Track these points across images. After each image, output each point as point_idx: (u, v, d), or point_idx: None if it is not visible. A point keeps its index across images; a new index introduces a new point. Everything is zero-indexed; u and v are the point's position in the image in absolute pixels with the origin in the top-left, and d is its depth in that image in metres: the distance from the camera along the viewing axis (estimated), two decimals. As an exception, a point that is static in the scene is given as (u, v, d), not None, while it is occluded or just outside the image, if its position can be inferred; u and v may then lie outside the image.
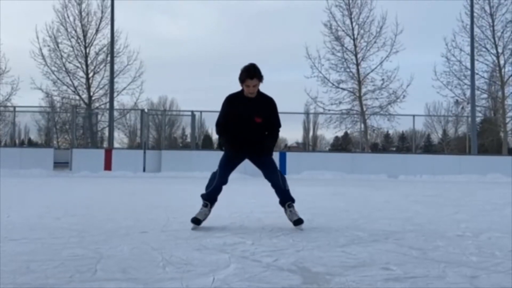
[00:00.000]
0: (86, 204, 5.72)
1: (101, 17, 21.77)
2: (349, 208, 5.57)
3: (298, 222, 3.75)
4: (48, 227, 3.76)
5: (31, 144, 23.11)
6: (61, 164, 15.98)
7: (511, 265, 2.57)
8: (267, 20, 57.12)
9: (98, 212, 4.87)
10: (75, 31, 21.75)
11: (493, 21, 20.90)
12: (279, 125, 3.95)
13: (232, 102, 3.84)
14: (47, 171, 13.86)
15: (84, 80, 21.82)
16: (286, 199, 3.85)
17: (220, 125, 3.89)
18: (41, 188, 8.66)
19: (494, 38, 20.94)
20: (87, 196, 7.01)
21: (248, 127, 3.78)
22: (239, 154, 3.89)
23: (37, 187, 8.75)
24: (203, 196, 3.88)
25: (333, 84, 21.10)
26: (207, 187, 3.87)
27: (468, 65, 18.97)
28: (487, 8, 20.99)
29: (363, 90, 21.10)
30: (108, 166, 14.50)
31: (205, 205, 3.83)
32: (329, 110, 21.15)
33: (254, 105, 3.78)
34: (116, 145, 20.56)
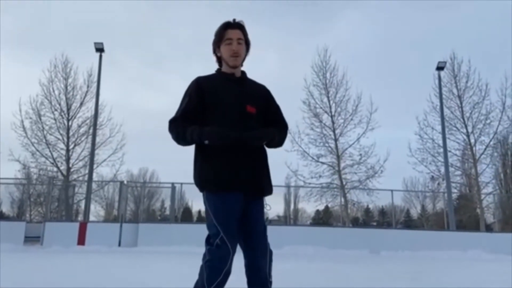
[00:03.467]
0: (55, 283, 5.41)
1: (87, 92, 22.22)
2: (331, 286, 5.43)
3: None
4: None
5: (3, 217, 22.18)
6: (32, 239, 15.26)
7: None
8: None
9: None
10: (59, 104, 22.03)
11: (461, 103, 22.24)
12: (287, 124, 2.57)
13: (204, 83, 2.37)
14: (16, 246, 13.17)
15: (64, 152, 21.69)
16: None
17: (176, 121, 2.34)
18: (9, 264, 8.19)
19: (463, 118, 22.14)
20: (56, 274, 6.65)
21: (238, 121, 2.32)
22: (235, 191, 2.29)
23: (5, 263, 8.28)
24: None
25: (312, 158, 21.54)
26: (211, 278, 2.23)
27: (441, 142, 19.80)
28: (454, 90, 22.45)
29: (342, 164, 21.55)
30: (81, 240, 13.92)
31: None
32: (309, 183, 21.35)
33: (243, 87, 2.43)
34: (92, 218, 19.94)
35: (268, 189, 2.45)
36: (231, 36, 2.36)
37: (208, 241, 2.28)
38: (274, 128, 2.44)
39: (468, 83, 22.34)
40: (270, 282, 2.38)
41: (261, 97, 2.50)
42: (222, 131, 2.23)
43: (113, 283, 5.26)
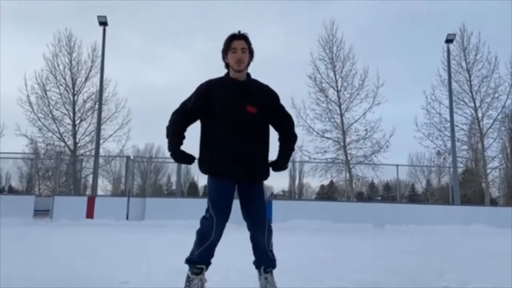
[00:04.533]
0: (65, 254, 5.54)
1: (91, 66, 22.17)
2: (335, 258, 5.51)
3: None
4: (25, 277, 3.62)
5: (12, 191, 22.55)
6: (42, 212, 15.55)
7: (496, 316, 2.57)
8: (252, 71, 58.75)
9: (77, 262, 4.72)
10: (64, 79, 22.01)
11: (469, 76, 21.92)
12: (293, 122, 2.99)
13: (211, 86, 2.78)
14: (26, 219, 13.45)
15: (70, 127, 21.80)
16: (263, 262, 2.82)
17: (177, 114, 2.80)
18: (19, 236, 8.38)
19: (471, 92, 21.86)
20: (66, 245, 6.80)
21: (237, 121, 2.69)
22: (228, 178, 2.73)
23: (15, 236, 8.47)
24: (193, 260, 2.72)
25: (318, 133, 21.49)
26: (199, 243, 2.73)
27: (448, 117, 19.64)
28: (463, 64, 22.08)
29: (347, 139, 21.50)
30: (90, 214, 14.17)
31: (198, 272, 2.69)
32: (314, 158, 21.38)
33: (245, 89, 2.78)
34: (99, 192, 20.21)
35: (261, 175, 2.83)
36: (236, 46, 2.76)
37: (205, 213, 2.80)
38: (282, 146, 2.92)
39: (477, 56, 21.97)
40: (270, 250, 2.85)
41: (262, 97, 2.83)
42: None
43: (123, 254, 5.39)
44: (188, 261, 2.74)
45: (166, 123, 2.80)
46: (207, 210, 2.77)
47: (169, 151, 2.78)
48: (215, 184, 2.74)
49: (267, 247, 2.81)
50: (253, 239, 2.84)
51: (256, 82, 2.90)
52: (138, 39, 53.22)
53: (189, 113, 2.80)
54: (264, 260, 2.82)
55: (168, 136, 2.77)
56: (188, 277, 2.70)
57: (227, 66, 2.85)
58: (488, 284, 3.65)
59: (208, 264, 2.77)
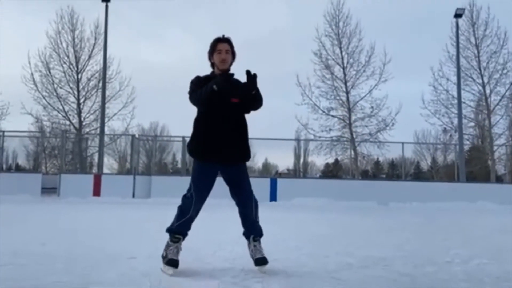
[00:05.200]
0: (73, 230, 5.63)
1: (94, 44, 21.99)
2: (339, 235, 5.56)
3: (261, 261, 3.01)
4: (34, 253, 3.69)
5: (19, 169, 22.81)
6: (49, 190, 15.75)
7: (499, 291, 2.58)
8: (256, 48, 58.10)
9: (85, 238, 4.80)
10: (68, 57, 21.90)
11: (478, 52, 21.54)
12: (260, 96, 3.17)
13: (201, 81, 3.16)
14: (34, 196, 13.65)
15: (75, 106, 21.82)
16: (252, 232, 3.14)
17: (191, 93, 3.18)
18: (27, 213, 8.50)
19: (479, 68, 21.52)
20: (74, 222, 6.90)
21: (222, 111, 3.09)
22: (212, 162, 3.09)
23: (24, 213, 8.60)
24: (172, 230, 3.10)
25: (323, 111, 21.36)
26: (179, 217, 3.10)
27: (455, 94, 19.41)
28: (472, 39, 21.67)
29: (353, 117, 21.37)
30: (96, 191, 14.34)
31: (176, 240, 3.06)
32: (319, 137, 21.32)
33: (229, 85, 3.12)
34: (105, 170, 20.38)
35: (243, 157, 3.20)
36: (221, 48, 3.15)
37: (187, 191, 3.17)
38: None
39: (487, 31, 21.52)
40: (257, 222, 3.19)
41: (242, 90, 3.14)
42: (222, 81, 3.02)
43: (130, 230, 5.46)
44: (169, 230, 3.13)
45: (190, 98, 3.17)
46: (189, 189, 3.14)
47: (207, 93, 3.06)
48: (199, 167, 3.13)
49: (255, 219, 3.17)
50: (241, 214, 3.17)
51: (236, 79, 3.22)
52: (140, 15, 52.60)
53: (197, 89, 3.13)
54: (253, 230, 3.17)
55: (197, 97, 3.11)
56: (167, 243, 3.10)
57: (213, 65, 3.23)
58: (492, 261, 3.67)
59: (185, 235, 3.13)
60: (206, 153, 3.09)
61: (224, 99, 3.09)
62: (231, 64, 3.22)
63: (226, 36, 3.22)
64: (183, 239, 3.12)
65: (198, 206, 3.10)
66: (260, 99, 3.16)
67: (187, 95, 3.18)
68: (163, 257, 3.04)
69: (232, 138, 3.11)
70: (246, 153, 3.20)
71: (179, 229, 3.09)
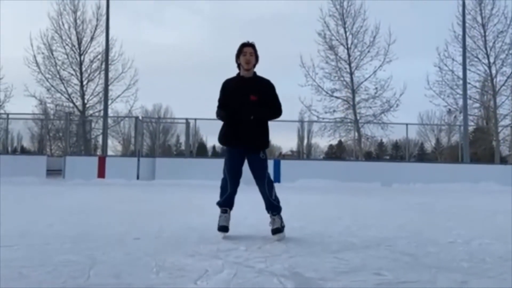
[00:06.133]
0: (79, 211, 5.70)
1: (96, 25, 21.83)
2: (342, 216, 5.59)
3: (276, 231, 3.66)
4: (41, 234, 3.74)
5: (24, 151, 22.94)
6: (54, 172, 15.88)
7: (501, 271, 2.61)
8: (260, 29, 57.42)
9: (91, 219, 4.86)
10: (70, 38, 21.76)
11: (484, 32, 21.21)
12: (278, 106, 3.85)
13: (227, 83, 3.89)
14: (39, 178, 13.77)
15: (78, 88, 21.78)
16: (269, 209, 3.80)
17: (218, 107, 3.86)
18: (33, 195, 8.60)
19: (486, 48, 21.22)
20: (80, 203, 6.97)
21: (242, 105, 3.71)
22: (238, 148, 3.76)
23: (30, 194, 8.69)
24: (220, 203, 3.86)
25: (327, 93, 21.23)
26: (222, 194, 3.84)
27: (460, 74, 19.20)
28: (479, 18, 21.30)
29: (357, 99, 21.24)
30: (101, 173, 14.44)
31: (224, 211, 3.84)
32: (323, 118, 21.25)
33: (250, 84, 3.79)
34: (109, 152, 20.48)
35: (262, 146, 3.82)
36: (246, 51, 3.78)
37: (223, 174, 3.86)
38: (268, 108, 3.80)
39: (493, 10, 21.12)
40: (274, 199, 3.79)
41: (262, 88, 3.82)
42: (230, 139, 3.82)
43: (135, 212, 5.52)
44: (218, 204, 3.88)
45: (216, 115, 3.83)
46: (224, 172, 3.83)
47: (226, 118, 3.80)
48: (228, 153, 3.84)
49: (270, 197, 3.78)
50: (260, 191, 3.84)
51: (259, 77, 3.89)
52: (143, -4, 51.87)
53: (223, 104, 3.85)
54: (269, 206, 3.79)
55: (221, 116, 3.79)
56: (220, 214, 3.84)
57: (239, 66, 3.84)
58: (494, 241, 3.69)
59: (230, 206, 3.86)
60: (232, 141, 3.79)
61: (244, 96, 3.73)
62: (254, 65, 3.84)
63: (251, 41, 3.85)
64: (230, 209, 3.86)
65: (233, 184, 3.80)
66: (270, 116, 3.83)
67: (216, 102, 3.87)
68: (218, 225, 3.78)
69: (251, 129, 3.73)
70: (263, 142, 3.83)
71: (224, 203, 3.83)
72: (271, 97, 3.83)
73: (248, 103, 3.71)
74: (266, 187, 3.76)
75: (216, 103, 3.94)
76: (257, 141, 3.79)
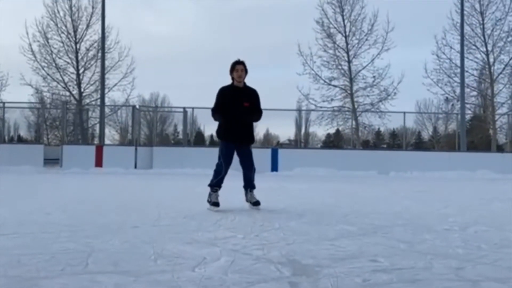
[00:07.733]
0: (77, 200, 5.70)
1: (92, 13, 21.63)
2: (339, 204, 5.63)
3: (256, 203, 4.75)
4: (39, 222, 3.75)
5: (21, 140, 22.89)
6: (51, 161, 15.87)
7: (496, 257, 2.63)
8: (257, 17, 57.03)
9: (89, 208, 4.87)
10: (65, 26, 21.57)
11: (483, 19, 21.13)
12: (261, 111, 4.99)
13: (224, 91, 4.90)
14: (37, 167, 13.76)
15: (74, 76, 21.65)
16: (249, 186, 4.86)
17: (215, 110, 4.88)
18: (31, 184, 8.60)
19: (484, 36, 21.17)
20: (78, 192, 6.98)
21: (238, 110, 4.76)
22: (232, 143, 4.79)
23: (27, 183, 8.69)
24: (213, 183, 4.75)
25: (324, 81, 21.20)
26: (215, 176, 4.76)
27: (458, 62, 19.20)
28: (477, 6, 21.22)
29: (355, 87, 21.22)
30: (99, 162, 14.44)
31: (215, 190, 4.74)
32: (321, 107, 21.24)
33: (243, 93, 4.85)
34: (107, 141, 20.45)
35: (251, 141, 4.97)
36: (238, 68, 4.81)
37: (218, 160, 4.88)
38: (253, 114, 4.91)
39: (492, -3, 21.02)
40: (253, 180, 4.87)
41: (253, 97, 4.91)
42: (226, 135, 4.87)
43: (133, 200, 5.53)
44: (210, 184, 4.80)
45: (213, 114, 4.90)
46: (219, 158, 4.81)
47: (223, 121, 4.89)
48: (224, 145, 4.85)
49: (251, 178, 4.87)
50: (245, 175, 4.88)
51: (249, 87, 4.93)
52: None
53: (220, 107, 4.84)
54: (249, 184, 4.87)
55: (216, 117, 4.89)
56: (209, 193, 4.75)
57: (232, 79, 4.86)
58: (490, 228, 3.72)
59: (219, 187, 4.80)
60: (228, 136, 4.82)
61: (239, 103, 4.76)
62: (244, 78, 4.85)
63: (241, 60, 4.84)
64: (219, 189, 4.79)
65: (226, 168, 4.78)
66: (256, 119, 4.97)
67: (213, 106, 4.88)
68: (209, 202, 4.68)
69: (243, 128, 4.80)
70: (251, 138, 4.98)
71: (217, 184, 4.77)
72: (256, 103, 4.90)
73: (242, 108, 4.76)
74: (252, 172, 4.90)
75: (213, 104, 4.87)
76: (247, 138, 4.90)
